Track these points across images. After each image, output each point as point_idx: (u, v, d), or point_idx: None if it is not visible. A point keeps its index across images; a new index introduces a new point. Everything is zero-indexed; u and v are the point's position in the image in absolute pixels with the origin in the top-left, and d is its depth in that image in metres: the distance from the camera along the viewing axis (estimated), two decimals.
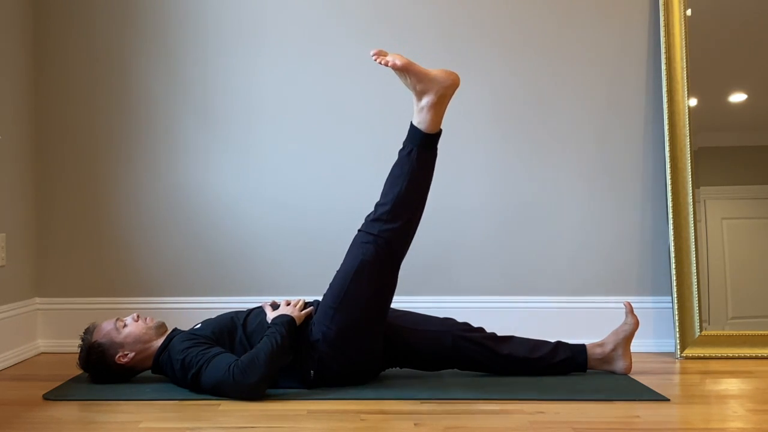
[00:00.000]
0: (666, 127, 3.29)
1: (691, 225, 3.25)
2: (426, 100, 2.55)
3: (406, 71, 2.52)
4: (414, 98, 2.58)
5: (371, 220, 2.63)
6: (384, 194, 2.63)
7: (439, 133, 2.61)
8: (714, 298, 3.31)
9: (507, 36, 3.40)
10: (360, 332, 2.63)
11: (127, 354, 2.67)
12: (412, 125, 2.60)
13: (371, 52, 2.56)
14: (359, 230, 2.66)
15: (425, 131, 2.57)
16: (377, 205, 2.64)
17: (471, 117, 3.39)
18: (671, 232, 3.26)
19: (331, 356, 2.62)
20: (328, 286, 2.69)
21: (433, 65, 3.34)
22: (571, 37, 3.40)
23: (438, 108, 2.56)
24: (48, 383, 2.72)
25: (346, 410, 2.39)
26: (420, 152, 2.58)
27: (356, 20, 3.40)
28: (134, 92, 3.40)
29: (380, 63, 2.54)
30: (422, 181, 2.62)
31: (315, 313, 2.70)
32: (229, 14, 3.40)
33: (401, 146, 2.63)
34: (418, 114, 2.58)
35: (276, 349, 2.50)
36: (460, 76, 2.57)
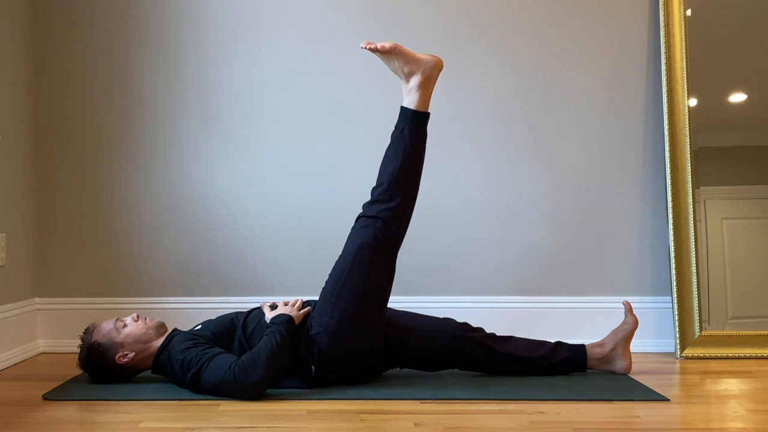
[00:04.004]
0: (666, 127, 3.29)
1: (691, 225, 3.25)
2: (414, 80, 2.68)
3: (393, 53, 2.65)
4: (402, 82, 2.70)
5: (369, 203, 2.70)
6: (379, 176, 2.71)
7: (428, 115, 2.71)
8: (714, 298, 3.31)
9: (507, 36, 3.40)
10: (360, 320, 2.64)
11: (127, 354, 2.67)
12: (402, 107, 2.71)
13: (361, 44, 2.68)
14: (357, 218, 2.72)
15: (415, 109, 2.68)
16: (373, 188, 2.71)
17: (470, 117, 3.39)
18: (671, 232, 3.26)
19: (331, 347, 2.61)
20: (328, 276, 2.71)
21: None
22: (571, 37, 3.40)
23: (425, 88, 2.69)
24: (48, 383, 2.72)
25: (346, 410, 2.39)
26: (411, 130, 2.68)
27: (356, 20, 3.40)
28: (134, 92, 3.40)
29: (369, 49, 2.67)
30: (415, 159, 2.70)
31: (313, 310, 2.71)
32: (228, 13, 3.40)
33: (392, 130, 2.71)
34: (407, 96, 2.70)
35: (276, 349, 2.50)
36: (443, 61, 2.70)
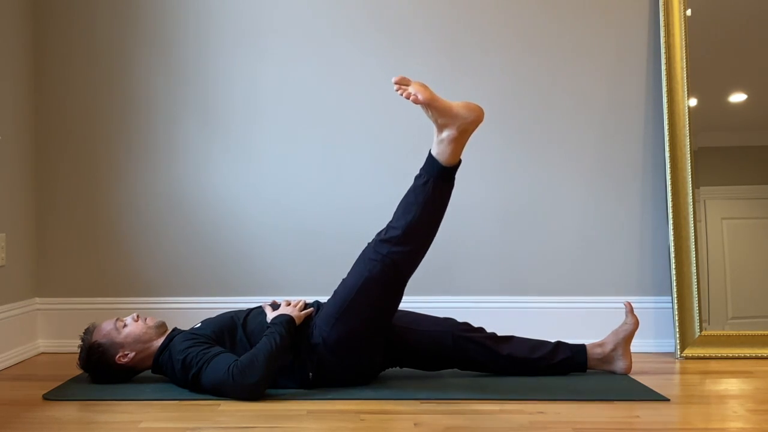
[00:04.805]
0: (666, 127, 3.29)
1: (691, 225, 3.25)
2: (447, 133, 2.47)
3: (428, 107, 2.44)
4: (434, 129, 2.50)
5: (381, 240, 2.58)
6: (396, 218, 2.58)
7: (458, 165, 2.54)
8: (714, 298, 3.31)
9: (507, 36, 3.40)
10: (360, 342, 2.63)
11: (127, 354, 2.67)
12: (430, 155, 2.52)
13: (393, 80, 2.46)
14: (369, 243, 2.63)
15: (444, 164, 2.50)
16: (389, 227, 2.59)
17: None
18: (671, 232, 3.26)
19: (331, 360, 2.61)
20: (332, 293, 2.68)
21: (431, 65, 3.37)
22: (571, 37, 3.40)
23: (459, 142, 2.48)
24: (48, 383, 2.73)
25: (346, 410, 2.39)
26: (436, 183, 2.51)
27: (356, 22, 3.40)
28: (134, 92, 3.40)
29: (402, 95, 2.45)
30: (436, 211, 2.57)
31: (315, 315, 2.70)
32: (229, 14, 3.40)
33: (418, 172, 2.57)
34: (437, 145, 2.50)
35: (275, 349, 2.50)
36: (483, 109, 2.50)
